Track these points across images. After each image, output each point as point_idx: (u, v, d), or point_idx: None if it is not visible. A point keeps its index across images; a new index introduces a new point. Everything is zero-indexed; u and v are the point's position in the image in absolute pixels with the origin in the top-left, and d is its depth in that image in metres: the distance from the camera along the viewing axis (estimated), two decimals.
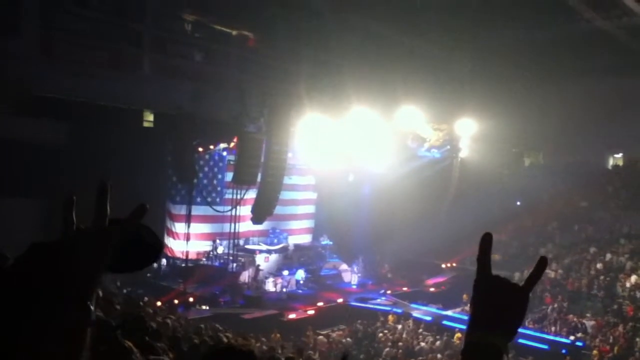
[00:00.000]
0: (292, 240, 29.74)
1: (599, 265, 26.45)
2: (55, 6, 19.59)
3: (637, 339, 20.74)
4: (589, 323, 22.46)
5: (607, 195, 32.24)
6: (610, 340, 21.05)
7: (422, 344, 19.87)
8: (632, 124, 31.52)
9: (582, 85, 32.38)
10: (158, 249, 1.26)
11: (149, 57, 22.26)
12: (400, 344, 19.98)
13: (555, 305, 24.31)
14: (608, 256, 26.83)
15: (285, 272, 26.16)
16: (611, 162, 37.46)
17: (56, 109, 19.73)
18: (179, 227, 26.02)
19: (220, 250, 26.38)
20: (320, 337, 20.34)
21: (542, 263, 1.30)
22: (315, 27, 24.20)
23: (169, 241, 26.58)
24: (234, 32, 24.28)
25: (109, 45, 21.07)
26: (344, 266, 29.30)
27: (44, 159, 18.74)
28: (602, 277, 25.61)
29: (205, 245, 26.78)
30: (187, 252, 25.33)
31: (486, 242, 1.29)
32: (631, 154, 35.93)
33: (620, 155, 37.07)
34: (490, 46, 28.80)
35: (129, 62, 21.69)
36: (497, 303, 1.26)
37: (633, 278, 24.84)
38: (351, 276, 28.73)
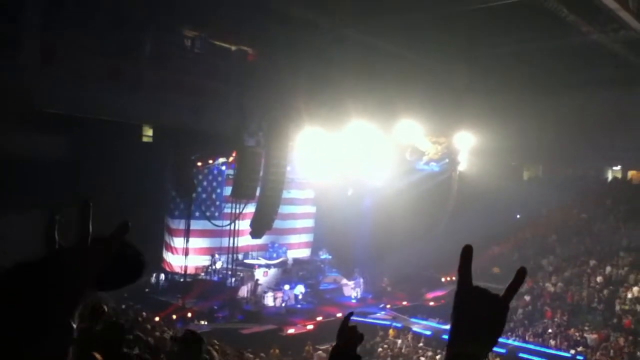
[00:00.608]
0: (291, 255, 29.66)
1: (599, 279, 26.38)
2: (57, 21, 19.69)
3: (639, 353, 20.65)
4: (591, 336, 22.36)
5: (606, 208, 32.24)
6: (611, 354, 20.95)
7: (422, 359, 19.75)
8: (630, 137, 31.63)
9: (580, 99, 32.49)
10: (142, 265, 1.27)
11: (149, 72, 22.33)
12: (400, 358, 19.87)
13: (556, 319, 24.23)
14: (608, 269, 26.77)
15: (287, 287, 26.07)
16: (610, 175, 37.51)
17: (56, 123, 19.77)
18: (178, 242, 25.96)
19: (218, 264, 26.28)
20: (320, 352, 20.21)
21: (521, 274, 1.30)
22: (313, 42, 24.32)
23: (167, 256, 26.50)
24: (234, 47, 24.39)
25: (109, 60, 21.15)
26: (344, 280, 29.21)
27: (44, 173, 18.76)
28: (602, 290, 25.54)
29: (204, 260, 26.69)
30: (186, 267, 25.27)
31: (466, 254, 1.29)
32: (630, 166, 36.04)
33: (619, 168, 37.14)
34: (488, 59, 28.92)
35: (129, 77, 21.75)
36: (477, 314, 1.27)
37: (633, 291, 24.77)
38: (352, 290, 28.64)
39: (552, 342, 22.68)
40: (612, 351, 21.11)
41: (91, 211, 1.15)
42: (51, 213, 1.17)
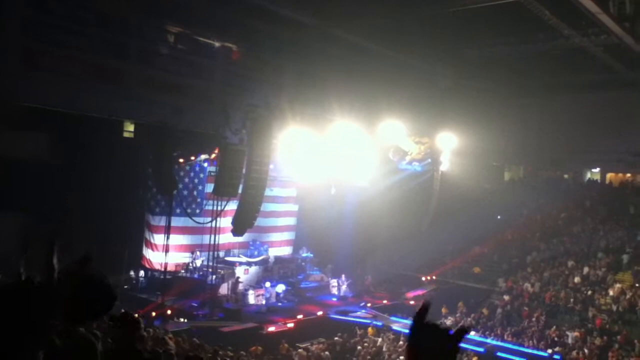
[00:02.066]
0: (273, 253, 29.62)
1: (576, 279, 26.72)
2: (39, 18, 19.44)
3: (611, 353, 21.04)
4: (572, 334, 22.69)
5: (584, 210, 32.67)
6: (586, 353, 21.29)
7: (402, 358, 19.83)
8: (609, 140, 32.10)
9: (562, 102, 32.92)
10: (112, 298, 1.28)
11: (133, 69, 22.11)
12: (379, 357, 19.94)
13: (534, 319, 24.51)
14: (585, 270, 27.12)
15: (268, 285, 26.04)
16: (589, 177, 38.02)
17: (36, 119, 19.43)
18: (158, 239, 25.72)
19: (199, 262, 26.12)
20: (300, 350, 20.20)
21: (461, 332, 1.48)
22: (298, 40, 24.26)
23: (147, 253, 26.27)
24: (217, 44, 24.25)
25: (93, 58, 20.91)
26: (330, 279, 29.27)
27: (25, 172, 18.46)
28: (580, 291, 25.87)
29: (184, 257, 26.51)
30: (166, 264, 25.01)
31: (423, 310, 1.49)
32: (608, 169, 36.56)
33: (597, 170, 37.65)
34: (472, 61, 29.12)
35: (113, 75, 21.53)
36: (430, 349, 1.41)
37: (610, 291, 25.13)
38: (338, 288, 28.67)
39: (530, 342, 22.94)
40: (587, 350, 21.42)
41: (56, 248, 1.16)
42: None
